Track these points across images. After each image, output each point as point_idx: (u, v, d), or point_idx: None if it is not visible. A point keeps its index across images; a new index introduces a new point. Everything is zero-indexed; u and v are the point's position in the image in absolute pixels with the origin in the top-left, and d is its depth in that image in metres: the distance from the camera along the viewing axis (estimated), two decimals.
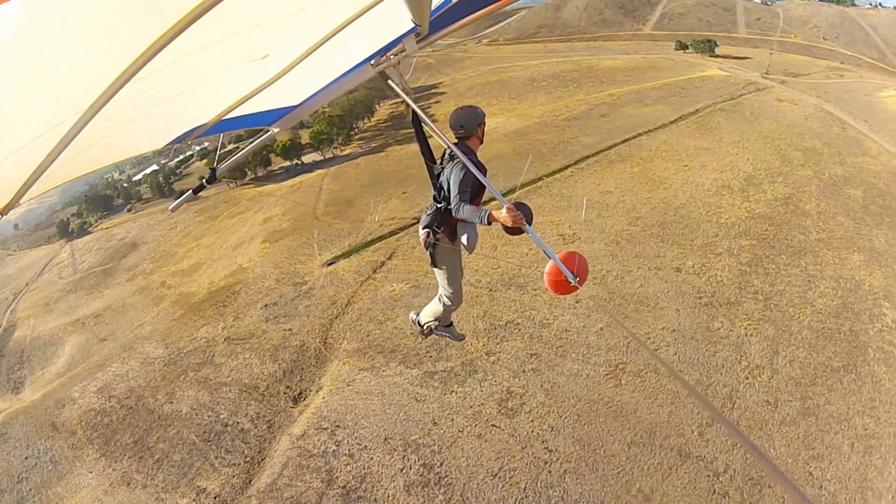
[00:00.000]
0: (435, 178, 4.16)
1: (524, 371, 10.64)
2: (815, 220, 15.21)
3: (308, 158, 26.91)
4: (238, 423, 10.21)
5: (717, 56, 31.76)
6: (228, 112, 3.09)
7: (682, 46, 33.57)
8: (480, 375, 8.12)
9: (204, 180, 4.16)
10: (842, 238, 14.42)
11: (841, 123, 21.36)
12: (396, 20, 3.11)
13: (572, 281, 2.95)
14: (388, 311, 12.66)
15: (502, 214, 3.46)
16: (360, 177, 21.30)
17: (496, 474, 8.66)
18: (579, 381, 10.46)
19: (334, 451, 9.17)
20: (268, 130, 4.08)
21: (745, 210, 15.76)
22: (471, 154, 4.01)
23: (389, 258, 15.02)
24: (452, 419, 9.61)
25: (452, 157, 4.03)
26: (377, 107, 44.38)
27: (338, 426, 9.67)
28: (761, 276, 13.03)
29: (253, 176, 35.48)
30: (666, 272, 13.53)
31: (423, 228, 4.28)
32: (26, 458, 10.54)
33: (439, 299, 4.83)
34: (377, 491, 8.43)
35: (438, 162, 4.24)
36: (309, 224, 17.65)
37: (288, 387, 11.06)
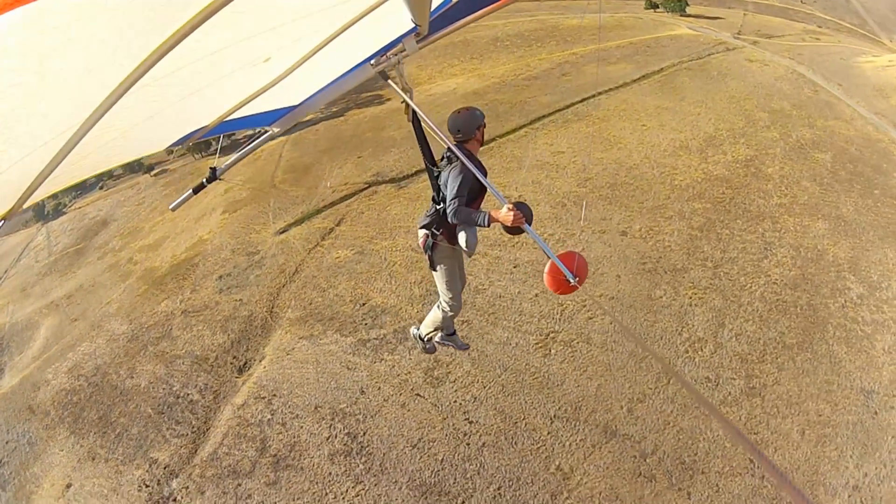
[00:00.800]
0: (434, 179, 4.32)
1: None
2: (777, 185, 15.02)
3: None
4: (188, 394, 10.77)
5: (689, 16, 31.18)
6: (230, 114, 3.20)
7: (653, 6, 32.69)
8: (410, 343, 8.60)
9: (204, 179, 4.30)
10: (805, 204, 14.20)
11: (813, 86, 20.90)
12: (396, 20, 3.21)
13: (572, 280, 3.12)
14: (332, 278, 12.85)
15: (502, 214, 3.66)
16: (318, 142, 21.09)
17: (416, 445, 9.09)
18: (507, 350, 10.60)
19: (269, 420, 9.73)
20: (267, 130, 4.23)
21: (702, 172, 15.65)
22: (470, 157, 4.04)
23: (338, 224, 15.07)
24: (379, 388, 10.05)
25: (451, 159, 4.17)
26: None
27: (274, 395, 10.20)
28: (713, 242, 13.01)
29: (216, 147, 35.19)
30: (610, 236, 13.63)
31: (422, 229, 4.44)
32: (7, 442, 11.04)
33: (438, 306, 4.92)
34: (304, 459, 8.98)
35: (438, 163, 4.37)
36: (266, 192, 17.74)
37: (235, 357, 11.50)
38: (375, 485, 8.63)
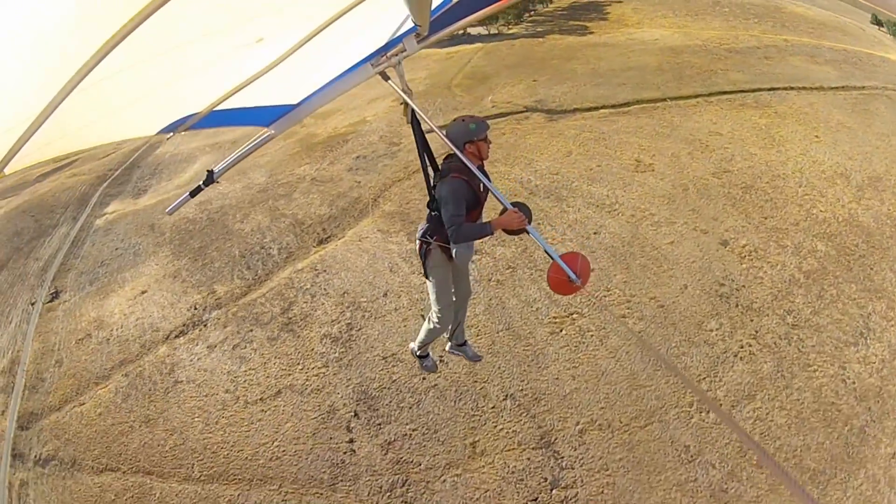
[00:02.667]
0: (431, 186, 4.29)
1: None
2: None
3: (475, 31, 27.44)
4: (270, 249, 12.86)
5: None
6: (223, 100, 3.16)
7: (877, 22, 28.51)
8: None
9: (202, 182, 4.37)
10: None
11: None
12: (396, 20, 3.28)
13: (576, 281, 3.21)
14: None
15: (503, 218, 3.73)
16: (507, 57, 22.19)
17: (385, 358, 10.03)
18: (525, 311, 10.76)
19: (307, 289, 11.43)
20: (266, 132, 4.22)
21: (847, 211, 13.42)
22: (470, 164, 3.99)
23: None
24: (399, 296, 11.07)
25: (443, 173, 4.14)
26: None
27: (325, 271, 11.82)
28: (810, 297, 11.30)
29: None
30: (710, 239, 12.55)
31: (418, 237, 4.50)
32: (116, 248, 14.01)
33: (428, 319, 4.96)
34: (304, 330, 10.56)
35: (438, 171, 4.29)
36: (438, 92, 19.29)
37: (323, 229, 13.23)
38: (335, 374, 10.00)
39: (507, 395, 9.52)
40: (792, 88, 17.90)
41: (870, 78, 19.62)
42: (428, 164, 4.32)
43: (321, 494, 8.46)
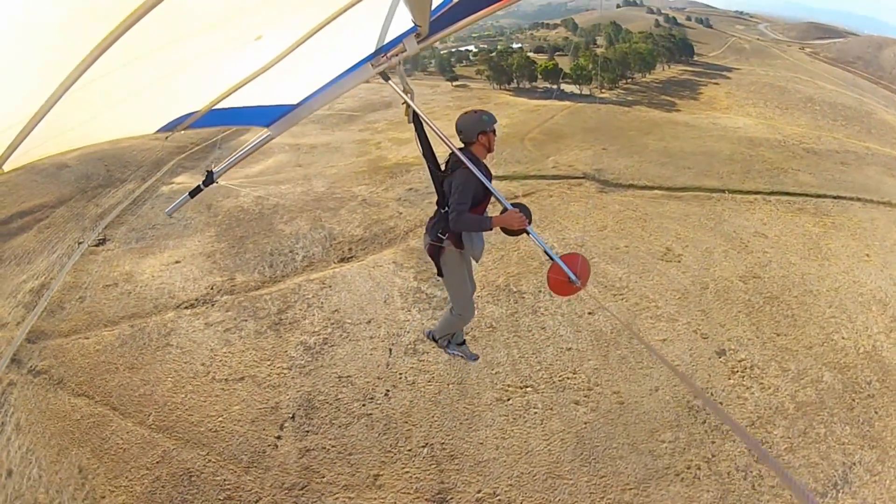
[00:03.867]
0: (439, 184, 4.28)
1: None
2: None
3: (570, 88, 27.65)
4: (297, 254, 14.39)
5: None
6: (222, 99, 3.15)
7: None
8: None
9: (201, 183, 4.39)
10: None
11: None
12: (396, 19, 3.28)
13: (575, 282, 3.23)
14: None
15: (504, 217, 3.75)
16: (588, 120, 23.06)
17: (341, 377, 10.95)
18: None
19: (307, 298, 12.77)
20: (265, 133, 4.17)
21: (871, 344, 12.29)
22: (476, 162, 4.05)
23: (524, 195, 16.72)
24: (379, 327, 11.97)
25: (454, 166, 4.15)
26: (665, 67, 44.25)
27: (330, 286, 13.15)
28: (793, 431, 10.43)
29: (516, 85, 38.01)
30: (706, 346, 11.95)
31: (427, 234, 4.48)
32: (172, 217, 15.98)
33: (450, 311, 4.96)
34: (287, 333, 11.83)
35: (444, 168, 4.32)
36: (511, 142, 20.32)
37: (350, 249, 14.54)
38: (293, 378, 10.97)
39: (427, 444, 10.02)
40: (858, 200, 16.83)
41: None
42: (432, 163, 4.35)
43: (234, 472, 9.55)
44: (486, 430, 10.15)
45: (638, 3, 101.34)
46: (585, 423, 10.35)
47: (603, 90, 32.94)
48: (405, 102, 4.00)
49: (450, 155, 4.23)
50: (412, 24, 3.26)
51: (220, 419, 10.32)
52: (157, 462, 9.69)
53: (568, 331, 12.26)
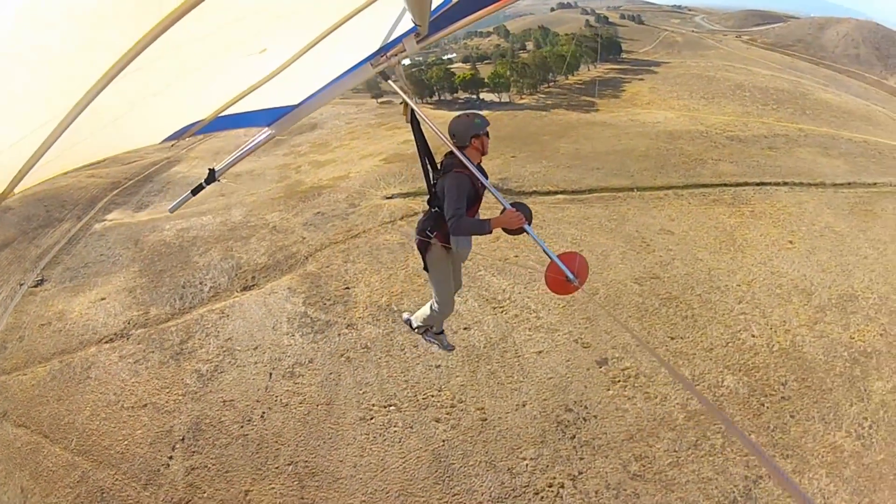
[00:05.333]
0: (432, 185, 4.60)
1: None
2: (852, 423, 11.45)
3: (489, 97, 28.98)
4: (205, 285, 16.78)
5: None
6: (226, 108, 3.40)
7: None
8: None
9: (203, 181, 4.57)
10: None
11: None
12: (396, 20, 3.56)
13: (574, 281, 3.42)
14: (360, 259, 16.73)
15: (503, 217, 4.01)
16: (503, 129, 24.32)
17: (226, 401, 13.37)
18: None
19: (206, 328, 15.13)
20: (267, 131, 4.37)
21: (791, 338, 13.03)
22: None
23: (426, 211, 17.96)
24: (264, 353, 14.34)
25: (447, 168, 4.50)
26: (590, 68, 47.45)
27: (228, 315, 15.54)
28: (680, 444, 11.35)
29: (437, 98, 40.28)
30: (586, 356, 13.13)
31: (417, 232, 4.79)
32: (101, 254, 18.78)
33: (431, 305, 5.43)
34: (185, 362, 14.24)
35: (439, 168, 4.66)
36: (416, 158, 21.56)
37: (253, 277, 16.94)
38: (186, 404, 13.37)
39: (292, 462, 12.13)
40: (785, 184, 17.60)
41: (886, 173, 18.93)
42: (427, 162, 4.73)
43: (135, 489, 12.05)
44: (347, 448, 12.10)
45: (573, 5, 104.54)
46: (443, 441, 11.87)
47: (522, 96, 34.99)
48: (403, 102, 4.34)
49: (444, 157, 4.62)
50: (412, 24, 3.52)
51: (126, 442, 12.84)
52: (78, 481, 12.20)
53: (440, 347, 13.82)
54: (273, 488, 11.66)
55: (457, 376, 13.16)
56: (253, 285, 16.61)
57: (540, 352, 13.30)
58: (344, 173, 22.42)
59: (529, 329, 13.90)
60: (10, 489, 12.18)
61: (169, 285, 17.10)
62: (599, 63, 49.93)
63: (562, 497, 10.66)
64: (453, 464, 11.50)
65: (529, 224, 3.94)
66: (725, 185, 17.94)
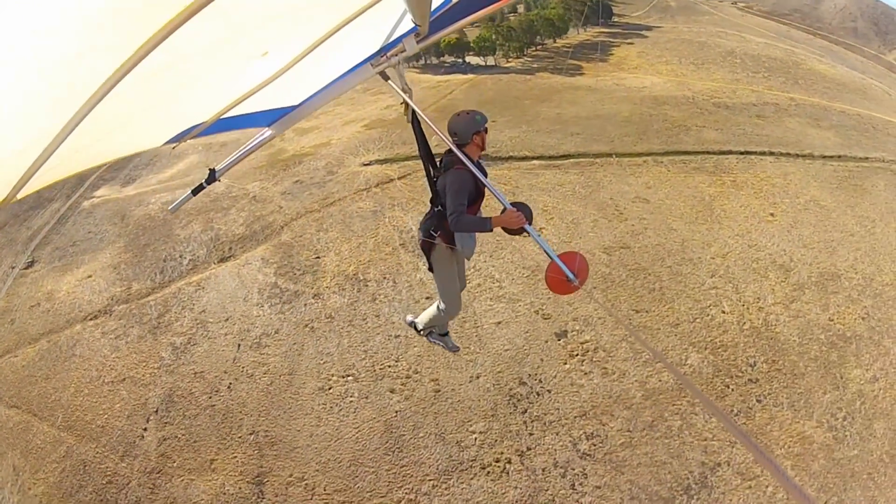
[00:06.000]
0: (432, 182, 4.86)
1: None
2: (826, 410, 11.48)
3: (475, 61, 28.99)
4: (184, 258, 17.61)
5: None
6: (228, 110, 3.64)
7: None
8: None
9: (204, 181, 4.94)
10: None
11: None
12: (396, 20, 3.78)
13: (573, 281, 3.64)
14: (338, 224, 17.45)
15: (503, 217, 4.24)
16: (487, 93, 24.74)
17: (196, 373, 14.50)
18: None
19: (183, 301, 16.13)
20: (266, 132, 4.70)
21: (764, 316, 13.00)
22: (469, 161, 4.49)
23: (401, 178, 18.88)
24: (234, 324, 15.37)
25: (448, 165, 4.72)
26: (579, 31, 47.88)
27: (203, 288, 16.49)
28: (635, 424, 11.64)
29: (424, 62, 42.22)
30: (546, 327, 13.50)
31: (420, 230, 5.06)
32: (89, 231, 19.56)
33: (437, 306, 5.56)
34: (161, 336, 15.25)
35: (438, 166, 4.90)
36: (402, 122, 22.02)
37: (230, 248, 17.72)
38: (160, 377, 14.59)
39: (254, 432, 13.16)
40: (771, 154, 17.50)
41: (878, 148, 18.65)
42: (428, 162, 4.96)
43: (113, 460, 13.28)
44: (305, 418, 13.02)
45: None
46: (396, 412, 12.63)
47: (509, 60, 35.10)
48: (404, 102, 4.55)
49: (443, 154, 4.85)
50: (412, 24, 3.65)
51: (106, 416, 14.04)
52: (63, 456, 13.49)
53: (400, 317, 14.43)
54: (235, 457, 12.68)
55: (414, 346, 13.80)
56: (230, 256, 17.49)
57: (499, 322, 13.78)
58: (325, 140, 22.96)
59: (491, 299, 14.32)
60: (3, 468, 13.55)
61: (151, 259, 18.15)
62: (588, 27, 49.87)
63: (508, 473, 11.15)
64: (404, 435, 12.26)
65: (530, 224, 4.15)
66: (708, 152, 17.91)
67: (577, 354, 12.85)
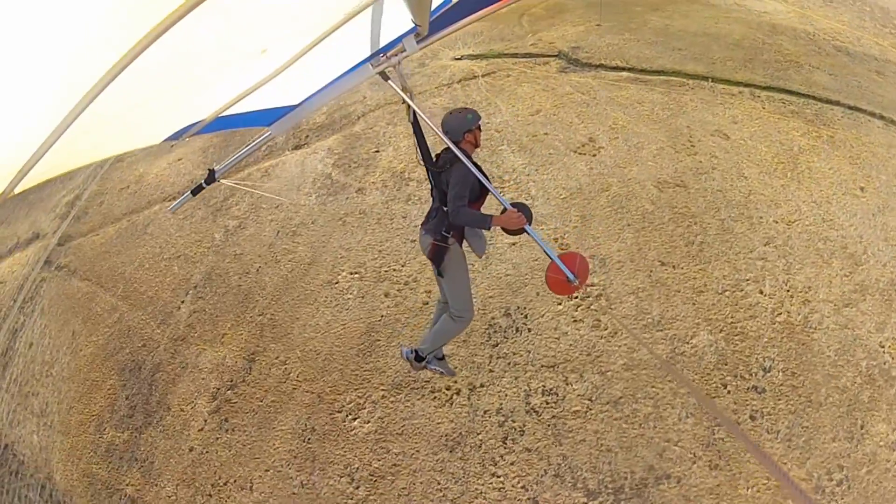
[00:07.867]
0: (436, 183, 6.09)
1: None
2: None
3: None
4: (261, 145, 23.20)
5: None
6: (227, 108, 4.54)
7: None
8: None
9: (203, 181, 6.08)
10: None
11: None
12: (397, 20, 4.63)
13: (573, 281, 4.74)
14: (406, 121, 20.87)
15: (503, 217, 5.48)
16: None
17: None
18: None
19: (244, 190, 21.70)
20: (266, 132, 5.74)
21: (805, 314, 13.22)
22: (470, 160, 5.45)
23: (484, 76, 22.19)
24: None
25: (449, 160, 5.98)
26: None
27: (268, 172, 21.44)
28: (598, 397, 12.80)
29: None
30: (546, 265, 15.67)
31: (427, 233, 6.17)
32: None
33: (450, 317, 6.76)
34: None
35: (437, 164, 5.94)
36: (508, 18, 25.25)
37: (306, 137, 21.60)
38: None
39: (262, 314, 16.89)
40: (882, 118, 18.13)
41: None
42: (429, 162, 5.93)
43: (151, 326, 18.22)
44: (308, 307, 16.40)
45: None
46: (381, 317, 15.43)
47: None
48: (404, 102, 5.68)
49: (441, 151, 6.01)
50: (412, 24, 4.66)
51: (157, 288, 18.45)
52: (115, 322, 18.10)
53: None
54: (241, 334, 16.48)
55: (413, 255, 16.57)
56: (303, 144, 21.39)
57: (514, 244, 15.79)
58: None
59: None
60: (64, 333, 18.49)
61: (236, 144, 22.50)
62: None
63: (451, 404, 12.95)
64: (378, 340, 14.98)
65: (530, 224, 5.12)
66: (814, 97, 18.78)
67: (575, 297, 14.08)
